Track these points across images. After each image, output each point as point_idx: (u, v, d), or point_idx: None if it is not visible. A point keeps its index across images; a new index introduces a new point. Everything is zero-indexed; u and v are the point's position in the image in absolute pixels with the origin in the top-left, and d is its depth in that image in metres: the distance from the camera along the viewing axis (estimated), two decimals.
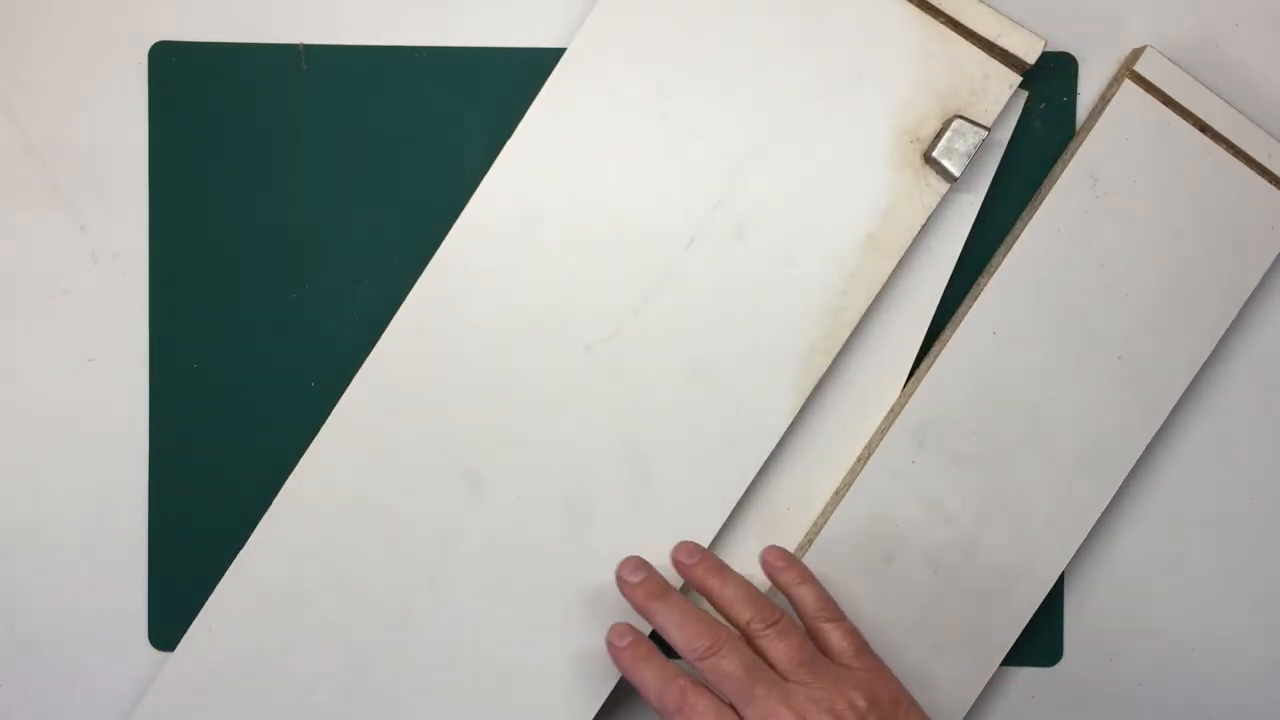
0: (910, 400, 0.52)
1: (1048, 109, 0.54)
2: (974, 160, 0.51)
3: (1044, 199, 0.52)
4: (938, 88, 0.51)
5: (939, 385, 0.52)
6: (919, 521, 0.52)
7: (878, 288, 0.51)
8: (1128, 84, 0.52)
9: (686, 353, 0.51)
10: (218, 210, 0.53)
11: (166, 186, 0.53)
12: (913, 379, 0.53)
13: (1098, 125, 0.52)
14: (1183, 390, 0.52)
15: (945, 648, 0.52)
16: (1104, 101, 0.53)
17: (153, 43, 0.53)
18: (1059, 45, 0.54)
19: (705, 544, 0.51)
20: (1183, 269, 0.52)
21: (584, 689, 0.51)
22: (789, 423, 0.51)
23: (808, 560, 0.52)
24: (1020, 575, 0.52)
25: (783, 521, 0.53)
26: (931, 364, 0.52)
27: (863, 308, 0.51)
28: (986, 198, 0.53)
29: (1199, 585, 0.56)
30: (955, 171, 0.50)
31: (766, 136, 0.51)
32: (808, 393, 0.51)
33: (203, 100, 0.53)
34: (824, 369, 0.51)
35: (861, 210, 0.51)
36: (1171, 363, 0.52)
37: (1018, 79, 0.51)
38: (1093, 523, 0.53)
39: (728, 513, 0.51)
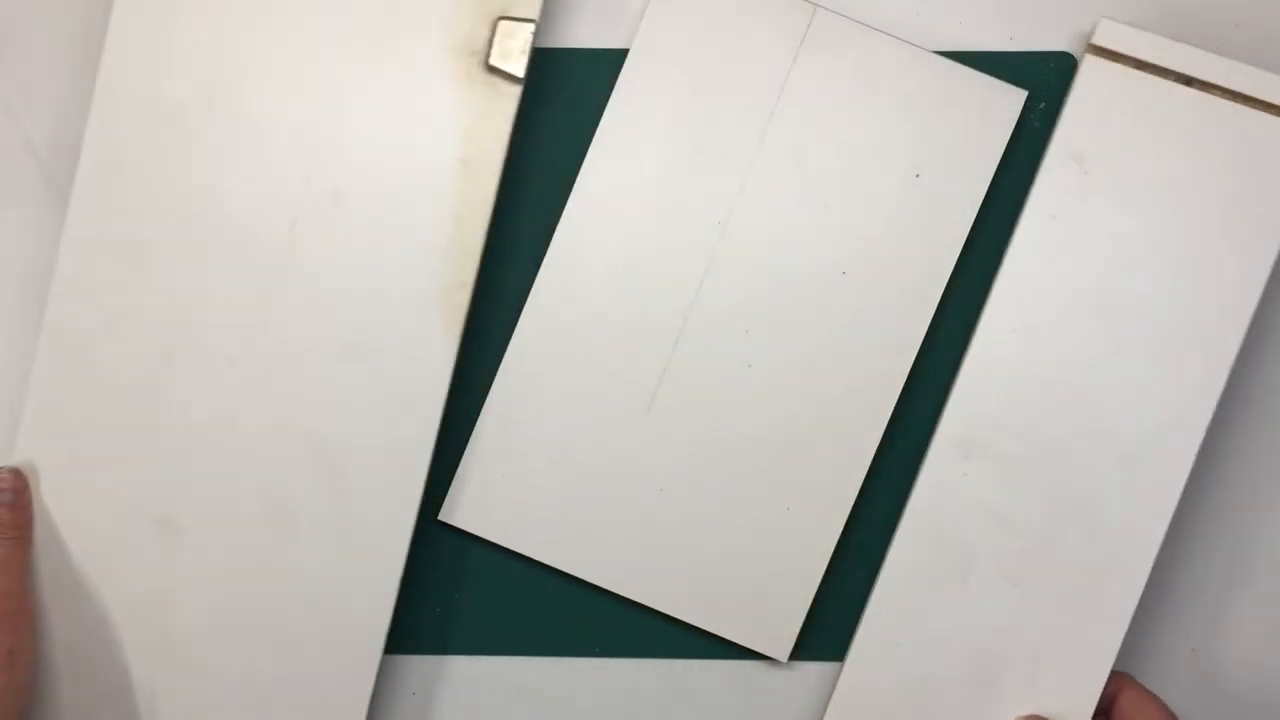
0: (945, 412, 0.51)
1: (1047, 109, 0.54)
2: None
3: (1030, 190, 0.51)
4: None
5: (971, 392, 0.51)
6: (984, 534, 0.51)
7: (489, 209, 0.50)
8: (1089, 58, 0.51)
9: (333, 330, 0.50)
10: None
11: None
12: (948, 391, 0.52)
13: (1068, 105, 0.51)
14: (1236, 350, 0.50)
15: (1045, 660, 0.51)
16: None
17: None
18: (1059, 45, 0.54)
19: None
20: (1205, 225, 0.50)
21: (338, 703, 0.51)
22: (451, 368, 0.50)
23: (879, 590, 0.51)
24: (1109, 572, 0.51)
25: (782, 521, 0.53)
26: (959, 373, 0.51)
27: (482, 232, 0.50)
28: (986, 198, 0.52)
29: (1200, 584, 0.55)
30: (518, 72, 0.50)
31: (331, 102, 0.50)
32: (460, 331, 0.50)
33: None
34: (467, 303, 0.50)
35: (445, 140, 0.50)
36: (1213, 327, 0.50)
37: None
38: (1174, 506, 0.50)
39: (419, 494, 0.50)
